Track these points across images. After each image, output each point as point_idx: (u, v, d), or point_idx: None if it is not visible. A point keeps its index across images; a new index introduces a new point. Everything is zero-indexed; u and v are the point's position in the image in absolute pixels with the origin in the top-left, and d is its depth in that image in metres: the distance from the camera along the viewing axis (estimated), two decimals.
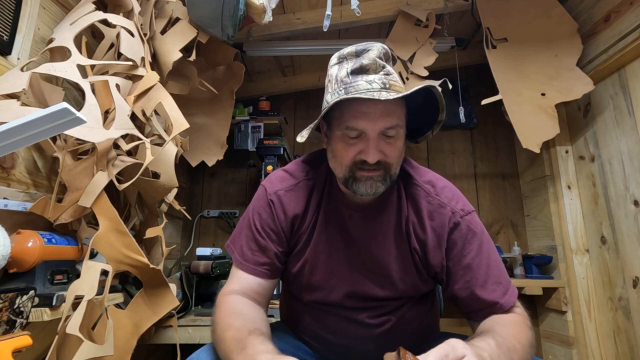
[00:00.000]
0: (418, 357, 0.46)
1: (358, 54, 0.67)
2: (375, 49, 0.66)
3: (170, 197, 1.16)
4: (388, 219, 0.72)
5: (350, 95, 0.61)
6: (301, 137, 0.69)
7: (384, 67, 0.65)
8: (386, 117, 0.62)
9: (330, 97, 0.67)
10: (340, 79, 0.66)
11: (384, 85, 0.62)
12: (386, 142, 0.64)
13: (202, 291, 1.46)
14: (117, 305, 1.02)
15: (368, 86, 0.62)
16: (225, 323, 0.63)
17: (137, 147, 0.99)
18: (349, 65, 0.66)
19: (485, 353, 0.50)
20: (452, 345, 0.48)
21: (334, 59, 0.71)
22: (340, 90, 0.65)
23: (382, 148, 0.64)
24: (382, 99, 0.58)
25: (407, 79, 1.59)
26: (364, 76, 0.64)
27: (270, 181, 0.77)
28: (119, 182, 0.90)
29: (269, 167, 1.66)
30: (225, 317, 0.64)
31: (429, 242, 0.70)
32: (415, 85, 0.65)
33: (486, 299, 0.66)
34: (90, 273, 0.80)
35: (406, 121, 0.72)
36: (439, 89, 0.62)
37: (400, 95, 0.60)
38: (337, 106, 0.64)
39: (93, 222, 0.98)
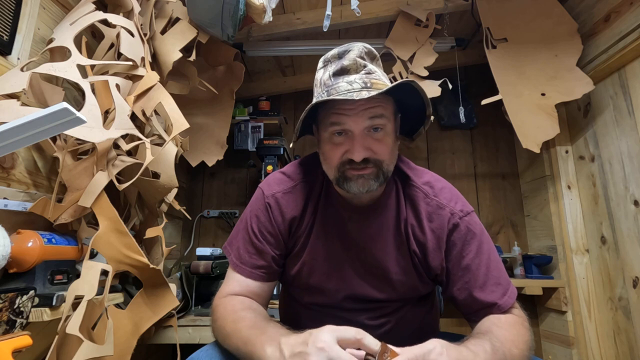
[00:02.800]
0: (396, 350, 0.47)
1: (340, 56, 0.67)
2: (355, 49, 0.66)
3: (170, 197, 1.16)
4: (387, 221, 0.72)
5: (327, 98, 0.61)
6: (292, 143, 0.72)
7: (365, 66, 0.65)
8: (369, 110, 0.63)
9: (316, 100, 0.67)
10: (323, 81, 0.67)
11: (364, 84, 0.62)
12: (373, 139, 0.64)
13: (202, 291, 1.46)
14: (117, 305, 1.02)
15: (349, 87, 0.62)
16: (236, 317, 0.62)
17: (137, 147, 0.99)
18: (332, 68, 0.66)
19: (479, 359, 0.50)
20: (428, 349, 0.47)
21: (320, 63, 0.71)
22: (323, 94, 0.65)
23: (369, 145, 0.63)
24: (357, 98, 0.58)
25: (403, 74, 1.59)
26: (345, 77, 0.64)
27: (268, 183, 0.77)
28: (119, 182, 0.90)
29: (269, 167, 1.66)
30: (235, 313, 0.63)
31: (429, 244, 0.69)
32: None
33: (484, 300, 0.66)
34: (90, 273, 0.80)
35: (404, 122, 0.73)
36: (420, 84, 0.63)
37: (376, 93, 0.60)
38: (322, 109, 0.65)
39: (93, 222, 0.98)
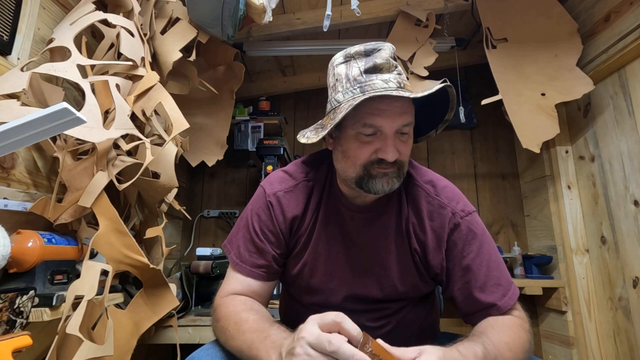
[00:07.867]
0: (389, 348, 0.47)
1: (368, 53, 0.66)
2: (387, 49, 0.66)
3: (170, 197, 1.16)
4: (389, 220, 0.72)
5: (376, 93, 0.60)
6: (306, 139, 0.69)
7: (396, 67, 0.65)
8: (403, 115, 0.63)
9: (343, 96, 0.65)
10: (353, 77, 0.65)
11: (399, 84, 0.62)
12: (401, 141, 0.64)
13: (202, 291, 1.46)
14: (117, 305, 1.02)
15: (385, 85, 0.62)
16: (239, 319, 0.62)
17: (137, 147, 0.99)
18: (361, 64, 0.65)
19: None
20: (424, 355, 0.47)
21: (339, 58, 0.69)
22: (355, 89, 0.63)
23: (397, 147, 0.63)
24: (407, 95, 0.59)
25: (407, 79, 1.58)
26: (378, 75, 0.63)
27: (270, 182, 0.76)
28: (119, 182, 0.90)
29: (269, 167, 1.66)
30: (237, 314, 0.63)
31: (429, 243, 0.69)
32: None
33: (484, 300, 0.65)
34: (90, 273, 0.80)
35: None
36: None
37: (424, 94, 0.61)
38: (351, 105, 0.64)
39: (93, 222, 0.98)
